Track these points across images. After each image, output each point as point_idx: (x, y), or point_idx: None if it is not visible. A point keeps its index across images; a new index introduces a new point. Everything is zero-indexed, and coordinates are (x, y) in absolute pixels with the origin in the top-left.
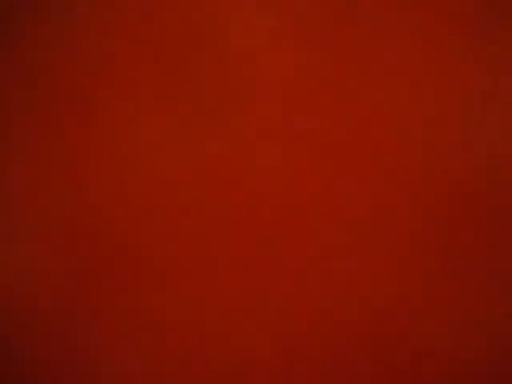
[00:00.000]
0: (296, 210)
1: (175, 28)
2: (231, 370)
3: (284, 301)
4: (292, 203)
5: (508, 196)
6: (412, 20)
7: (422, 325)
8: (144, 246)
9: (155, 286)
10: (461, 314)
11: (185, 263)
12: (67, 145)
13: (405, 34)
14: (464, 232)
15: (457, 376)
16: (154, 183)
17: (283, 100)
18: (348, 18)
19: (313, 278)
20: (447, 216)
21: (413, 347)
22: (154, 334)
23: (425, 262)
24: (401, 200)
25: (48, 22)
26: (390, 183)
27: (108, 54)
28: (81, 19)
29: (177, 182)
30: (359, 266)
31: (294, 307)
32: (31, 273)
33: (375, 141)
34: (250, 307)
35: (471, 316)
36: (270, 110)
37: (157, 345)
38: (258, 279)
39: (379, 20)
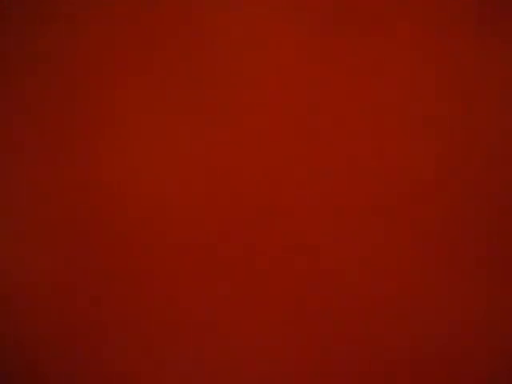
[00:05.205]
0: (298, 209)
1: (175, 25)
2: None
3: (280, 303)
4: (293, 203)
5: (508, 195)
6: (412, 16)
7: (420, 324)
8: (145, 245)
9: (156, 285)
10: (460, 314)
11: (189, 263)
12: (67, 146)
13: (405, 32)
14: (464, 231)
15: (456, 376)
16: (154, 184)
17: (283, 98)
18: (347, 16)
19: (313, 278)
20: (447, 215)
21: (411, 346)
22: (156, 332)
23: (424, 261)
24: (401, 199)
25: (48, 22)
26: (389, 183)
27: (107, 54)
28: (81, 21)
29: (179, 181)
30: (360, 266)
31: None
32: (31, 273)
33: (374, 138)
34: (251, 306)
35: (471, 316)
36: (270, 108)
37: (159, 342)
38: (258, 278)
39: (379, 17)
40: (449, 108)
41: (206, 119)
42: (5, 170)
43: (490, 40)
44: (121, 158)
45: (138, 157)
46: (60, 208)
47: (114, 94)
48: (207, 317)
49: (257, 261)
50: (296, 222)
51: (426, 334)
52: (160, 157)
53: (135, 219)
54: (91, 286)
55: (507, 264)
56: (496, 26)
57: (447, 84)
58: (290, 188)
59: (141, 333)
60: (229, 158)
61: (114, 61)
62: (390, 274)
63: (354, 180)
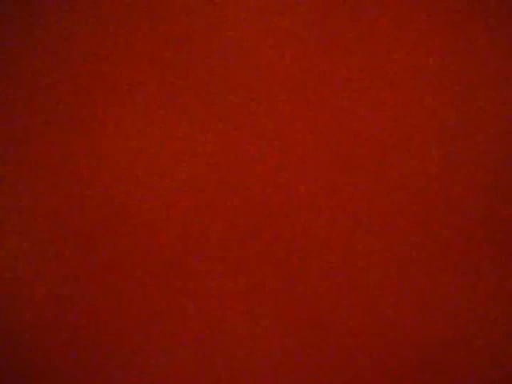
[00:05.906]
0: (298, 209)
1: (175, 25)
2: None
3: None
4: (293, 203)
5: (509, 195)
6: (413, 13)
7: (420, 324)
8: (145, 244)
9: (157, 285)
10: (461, 314)
11: (191, 265)
12: (68, 149)
13: (406, 30)
14: (465, 231)
15: (456, 376)
16: (155, 188)
17: (283, 98)
18: (348, 14)
19: (310, 279)
20: (448, 215)
21: (411, 346)
22: (156, 333)
23: (425, 261)
24: (401, 199)
25: (49, 22)
26: (389, 183)
27: (107, 54)
28: (81, 22)
29: (179, 183)
30: (360, 266)
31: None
32: (31, 274)
33: (374, 138)
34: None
35: (471, 316)
36: (270, 108)
37: (159, 343)
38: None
39: (379, 16)
40: (449, 108)
41: (206, 119)
42: (5, 170)
43: (492, 39)
44: (122, 161)
45: (139, 160)
46: (60, 208)
47: (115, 96)
48: (207, 317)
49: (258, 261)
50: (296, 222)
51: (426, 334)
52: (161, 158)
53: (136, 220)
54: (92, 286)
55: (507, 264)
56: (496, 25)
57: (447, 83)
58: (289, 188)
59: (141, 333)
60: (229, 158)
61: (115, 61)
62: (390, 274)
63: (355, 179)
